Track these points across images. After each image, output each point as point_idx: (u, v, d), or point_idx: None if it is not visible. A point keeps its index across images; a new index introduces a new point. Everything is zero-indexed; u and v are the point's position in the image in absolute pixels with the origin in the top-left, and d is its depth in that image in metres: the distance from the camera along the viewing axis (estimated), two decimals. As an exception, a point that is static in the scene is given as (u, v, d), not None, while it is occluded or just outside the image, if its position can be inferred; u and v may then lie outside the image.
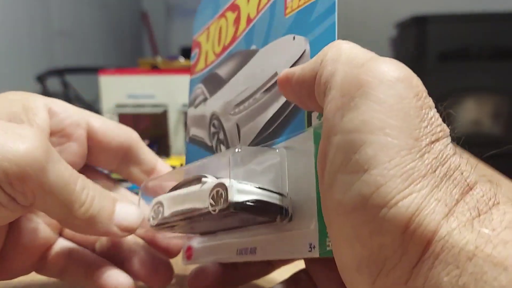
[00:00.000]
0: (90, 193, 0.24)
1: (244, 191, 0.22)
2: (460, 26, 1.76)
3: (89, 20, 1.76)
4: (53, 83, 1.97)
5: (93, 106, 1.54)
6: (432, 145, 0.17)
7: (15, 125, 0.23)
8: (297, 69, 0.22)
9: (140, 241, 0.30)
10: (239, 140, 0.28)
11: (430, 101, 0.18)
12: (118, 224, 0.25)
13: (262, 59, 0.27)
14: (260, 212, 0.22)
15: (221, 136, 0.29)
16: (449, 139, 0.18)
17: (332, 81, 0.19)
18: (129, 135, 0.30)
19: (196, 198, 0.24)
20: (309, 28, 0.24)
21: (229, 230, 0.26)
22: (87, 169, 0.30)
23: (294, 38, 0.25)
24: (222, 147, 0.29)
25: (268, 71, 0.26)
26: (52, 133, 0.27)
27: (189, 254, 0.30)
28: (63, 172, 0.23)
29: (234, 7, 0.31)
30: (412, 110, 0.17)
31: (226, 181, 0.22)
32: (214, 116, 0.31)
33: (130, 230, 0.26)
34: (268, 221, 0.23)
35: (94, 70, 1.02)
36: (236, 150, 0.23)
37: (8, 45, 1.85)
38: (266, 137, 0.26)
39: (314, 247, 0.21)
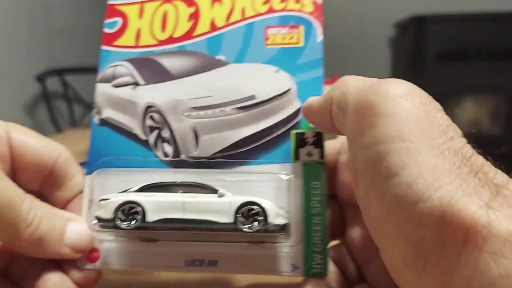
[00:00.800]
0: (37, 214, 0.23)
1: (278, 213, 0.24)
2: (459, 26, 1.77)
3: (89, 20, 1.77)
4: (53, 82, 1.97)
5: (92, 106, 1.55)
6: (449, 143, 0.18)
7: None
8: (315, 100, 0.24)
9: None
10: (197, 146, 0.27)
11: (437, 105, 0.20)
12: (70, 245, 0.24)
13: (236, 76, 0.28)
14: (282, 232, 0.24)
15: (166, 134, 0.28)
16: (464, 139, 0.19)
17: (347, 110, 0.21)
18: (55, 155, 0.27)
19: (212, 211, 0.24)
20: (295, 69, 0.28)
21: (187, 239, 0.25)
22: None
23: (277, 71, 0.28)
24: (167, 146, 0.28)
25: (245, 91, 0.28)
26: None
27: (95, 256, 0.27)
28: (7, 191, 0.22)
29: (190, 2, 0.31)
30: (421, 115, 0.19)
31: (261, 201, 0.24)
32: (153, 109, 0.29)
33: (82, 251, 0.25)
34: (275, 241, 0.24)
35: (94, 70, 1.02)
36: (287, 178, 0.25)
37: (8, 45, 1.85)
38: (239, 154, 0.27)
39: (298, 267, 0.24)
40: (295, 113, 0.28)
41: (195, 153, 0.27)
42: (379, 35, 2.09)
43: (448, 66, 1.79)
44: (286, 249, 0.24)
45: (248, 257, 0.25)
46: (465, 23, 1.76)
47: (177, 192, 0.25)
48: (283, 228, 0.24)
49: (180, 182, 0.25)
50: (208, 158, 0.27)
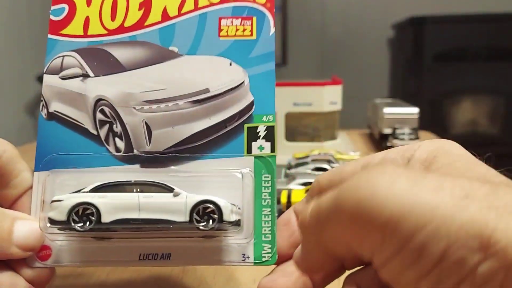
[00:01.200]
0: None
1: (233, 211, 0.24)
2: (457, 27, 1.77)
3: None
4: (53, 83, 1.97)
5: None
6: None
7: None
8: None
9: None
10: (149, 141, 0.27)
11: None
12: (19, 245, 0.23)
13: (189, 68, 0.28)
14: (236, 227, 0.25)
15: (117, 128, 0.27)
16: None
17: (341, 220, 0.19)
18: None
19: (167, 210, 0.24)
20: (248, 63, 0.28)
21: (140, 233, 0.25)
22: None
23: (231, 64, 0.28)
24: (119, 141, 0.27)
25: (199, 84, 0.28)
26: None
27: (46, 254, 0.25)
28: None
29: None
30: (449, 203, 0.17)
31: (215, 199, 0.24)
32: (103, 102, 0.27)
33: (33, 249, 0.24)
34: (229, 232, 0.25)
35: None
36: (240, 175, 0.25)
37: (9, 45, 1.85)
38: (192, 148, 0.27)
39: (248, 257, 0.25)
40: (248, 107, 0.28)
41: (148, 148, 0.27)
42: (377, 36, 2.10)
43: (447, 67, 1.80)
44: (237, 241, 0.25)
45: (201, 250, 0.25)
46: (464, 24, 1.77)
47: (132, 191, 0.24)
48: (237, 224, 0.24)
49: (135, 181, 0.25)
50: (161, 153, 0.27)
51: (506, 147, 1.54)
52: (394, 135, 0.76)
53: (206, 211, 0.24)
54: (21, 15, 1.96)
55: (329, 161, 0.55)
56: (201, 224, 0.24)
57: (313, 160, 0.55)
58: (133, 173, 0.26)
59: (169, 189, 0.25)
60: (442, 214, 0.16)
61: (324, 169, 0.52)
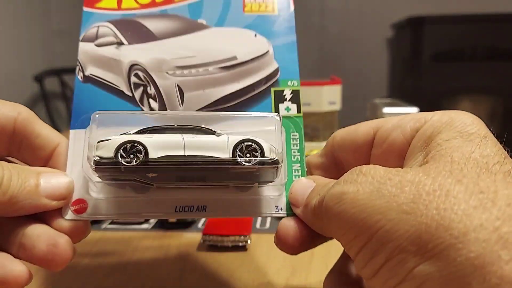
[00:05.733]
0: (5, 173, 0.23)
1: (271, 150, 0.25)
2: (455, 27, 1.78)
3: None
4: (51, 82, 1.97)
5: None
6: None
7: None
8: None
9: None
10: (182, 102, 0.29)
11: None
12: (48, 195, 0.24)
13: (217, 38, 0.30)
14: (276, 166, 0.25)
15: (151, 90, 0.29)
16: None
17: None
18: (13, 115, 0.26)
19: (211, 148, 0.25)
20: (271, 35, 0.31)
21: (183, 183, 0.26)
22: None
23: (255, 35, 0.31)
24: (153, 102, 0.29)
25: (227, 52, 0.30)
26: None
27: (82, 207, 0.25)
28: None
29: None
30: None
31: (256, 139, 0.25)
32: (137, 67, 0.29)
33: (63, 198, 0.24)
34: (270, 181, 0.26)
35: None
36: (277, 116, 0.27)
37: (7, 45, 1.85)
38: (222, 109, 0.28)
39: (281, 209, 0.26)
40: (274, 73, 0.30)
41: (181, 109, 0.28)
42: (376, 36, 2.10)
43: (445, 66, 1.80)
44: (271, 194, 0.26)
45: (235, 202, 0.26)
46: (462, 24, 1.77)
47: (175, 132, 0.26)
48: (277, 163, 0.25)
49: (178, 125, 0.26)
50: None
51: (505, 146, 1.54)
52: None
53: (248, 149, 0.25)
54: (20, 16, 1.95)
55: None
56: (243, 159, 0.25)
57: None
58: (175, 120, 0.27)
59: (212, 132, 0.26)
60: (389, 219, 0.18)
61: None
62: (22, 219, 0.24)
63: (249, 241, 0.38)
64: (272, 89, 0.29)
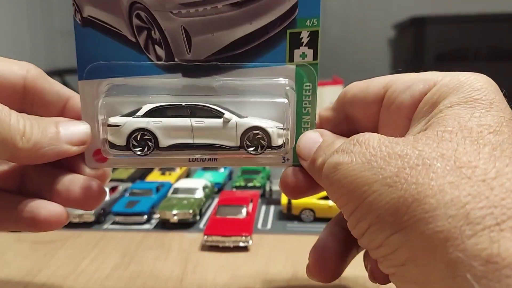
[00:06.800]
0: (27, 122, 0.23)
1: (279, 135, 0.26)
2: (457, 27, 1.77)
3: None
4: (53, 83, 1.97)
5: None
6: None
7: None
8: None
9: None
10: (189, 49, 0.26)
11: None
12: (68, 141, 0.25)
13: None
14: (282, 149, 0.26)
15: (155, 35, 0.26)
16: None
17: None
18: (22, 72, 0.26)
19: (220, 135, 0.25)
20: None
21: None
22: None
23: None
24: (159, 49, 0.26)
25: None
26: None
27: (102, 157, 0.27)
28: None
29: None
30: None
31: (264, 125, 0.26)
32: (138, 6, 0.26)
33: (83, 143, 0.26)
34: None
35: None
36: (285, 101, 0.26)
37: (10, 46, 1.85)
38: (233, 56, 0.26)
39: (288, 159, 0.27)
40: (292, 10, 0.26)
41: (189, 56, 0.26)
42: (378, 36, 2.10)
43: (448, 67, 1.78)
44: (279, 150, 0.27)
45: (244, 154, 0.27)
46: (464, 24, 1.77)
47: (184, 115, 0.26)
48: (283, 146, 0.26)
49: (186, 104, 0.26)
50: (202, 61, 0.26)
51: None
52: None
53: (255, 137, 0.26)
54: (22, 17, 1.96)
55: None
56: (251, 149, 0.26)
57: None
58: (178, 85, 0.26)
59: (219, 114, 0.26)
60: (374, 190, 0.19)
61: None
62: (50, 168, 0.26)
63: (250, 242, 0.38)
64: (288, 31, 0.26)
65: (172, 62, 0.26)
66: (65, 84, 0.28)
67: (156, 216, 0.45)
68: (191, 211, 0.42)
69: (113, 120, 0.25)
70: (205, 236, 0.38)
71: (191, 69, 0.26)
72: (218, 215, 0.41)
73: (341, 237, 0.28)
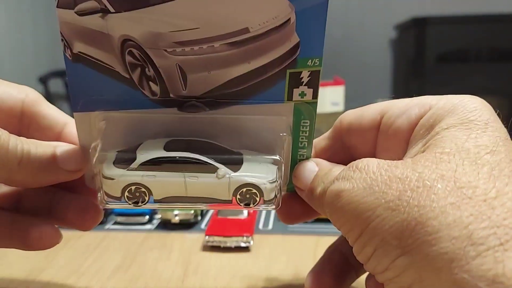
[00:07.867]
0: (24, 147, 0.24)
1: (272, 189, 0.26)
2: (459, 28, 1.77)
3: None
4: (55, 84, 1.98)
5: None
6: None
7: None
8: None
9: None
10: (185, 86, 0.25)
11: None
12: (65, 166, 0.25)
13: (226, 4, 0.23)
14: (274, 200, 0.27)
15: (150, 72, 0.25)
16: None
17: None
18: (20, 96, 0.27)
19: (213, 190, 0.25)
20: None
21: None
22: None
23: None
24: (153, 85, 0.25)
25: (237, 22, 0.24)
26: None
27: None
28: None
29: None
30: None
31: (257, 182, 0.25)
32: (130, 43, 0.24)
33: (80, 169, 0.26)
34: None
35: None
36: (279, 158, 0.26)
37: (12, 47, 1.86)
38: (230, 93, 0.25)
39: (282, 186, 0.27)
40: (293, 50, 0.24)
41: (184, 93, 0.25)
42: (380, 37, 2.10)
43: (449, 67, 1.80)
44: (271, 202, 0.27)
45: None
46: (466, 25, 1.77)
47: (177, 170, 0.26)
48: (275, 197, 0.26)
49: (179, 157, 0.26)
50: (198, 97, 0.26)
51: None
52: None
53: (248, 192, 0.26)
54: (25, 19, 1.96)
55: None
56: (243, 203, 0.26)
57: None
58: (172, 120, 0.27)
59: (212, 169, 0.26)
60: (377, 215, 0.19)
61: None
62: (48, 186, 0.26)
63: (252, 242, 0.38)
64: (288, 71, 0.25)
65: (167, 98, 0.26)
66: (67, 85, 0.28)
67: (158, 216, 0.45)
68: (192, 211, 0.43)
69: (108, 172, 0.25)
70: (207, 237, 0.38)
71: (186, 104, 0.26)
72: (220, 216, 0.41)
73: (339, 262, 0.28)
